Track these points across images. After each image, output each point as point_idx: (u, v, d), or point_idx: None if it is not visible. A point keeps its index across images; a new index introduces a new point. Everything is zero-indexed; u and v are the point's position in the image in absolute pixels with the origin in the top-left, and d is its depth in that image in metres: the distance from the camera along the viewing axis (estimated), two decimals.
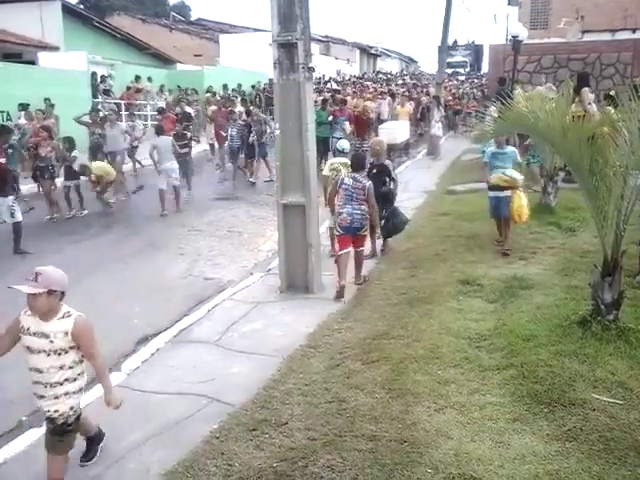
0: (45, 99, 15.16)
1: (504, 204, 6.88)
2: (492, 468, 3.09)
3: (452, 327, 4.84)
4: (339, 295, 5.97)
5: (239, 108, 15.99)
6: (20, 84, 15.36)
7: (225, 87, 23.88)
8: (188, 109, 17.03)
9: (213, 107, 17.18)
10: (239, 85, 24.95)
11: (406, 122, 17.26)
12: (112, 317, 5.88)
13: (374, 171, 7.13)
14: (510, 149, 7.15)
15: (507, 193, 6.85)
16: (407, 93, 22.33)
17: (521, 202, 6.80)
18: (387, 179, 7.17)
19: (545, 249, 7.02)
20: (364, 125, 15.40)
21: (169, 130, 13.19)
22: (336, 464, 3.22)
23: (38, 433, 3.83)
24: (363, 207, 6.14)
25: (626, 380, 3.82)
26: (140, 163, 14.15)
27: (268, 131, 13.21)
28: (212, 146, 16.35)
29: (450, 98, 22.28)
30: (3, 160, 8.11)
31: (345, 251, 6.16)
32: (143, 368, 4.76)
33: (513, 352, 4.30)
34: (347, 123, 14.09)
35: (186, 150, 11.64)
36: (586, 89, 9.77)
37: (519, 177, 6.92)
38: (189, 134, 12.46)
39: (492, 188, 7.02)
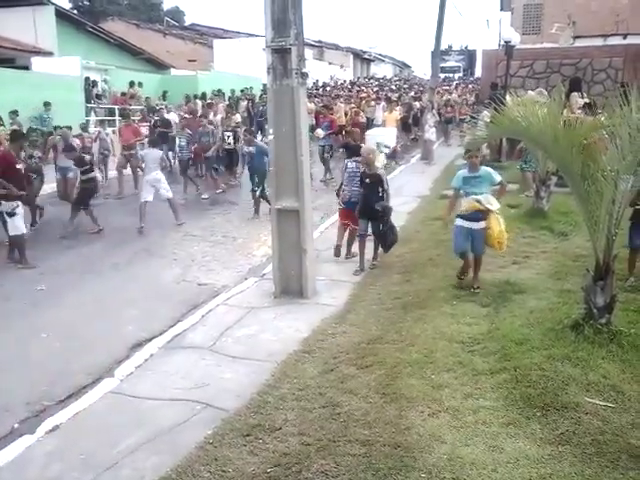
0: (45, 103, 15.21)
1: (480, 238, 5.76)
2: (485, 472, 3.09)
3: (446, 331, 4.85)
4: (336, 254, 7.55)
5: (215, 117, 15.44)
6: (13, 89, 15.34)
7: (220, 92, 23.90)
8: (172, 115, 16.01)
9: (185, 114, 16.02)
10: (232, 91, 24.95)
11: (393, 129, 17.01)
12: (106, 323, 5.88)
13: (367, 181, 6.97)
14: (484, 170, 5.87)
15: (482, 224, 5.72)
16: (395, 98, 22.30)
17: (500, 227, 5.74)
18: (380, 189, 6.91)
19: (538, 253, 7.05)
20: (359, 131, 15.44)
21: (126, 141, 12.78)
22: (330, 469, 3.22)
23: (30, 440, 3.83)
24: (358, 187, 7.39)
25: (618, 383, 3.84)
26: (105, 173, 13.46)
27: (216, 144, 12.65)
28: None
29: (442, 105, 22.22)
30: (20, 166, 8.01)
31: (346, 223, 7.54)
32: (137, 374, 4.75)
33: (506, 356, 4.31)
34: (320, 130, 13.92)
35: (90, 176, 9.61)
36: (575, 94, 9.86)
37: (496, 205, 5.75)
38: (87, 157, 10.00)
39: (464, 217, 5.80)
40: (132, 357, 5.07)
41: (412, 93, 27.31)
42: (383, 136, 15.24)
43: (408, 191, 11.97)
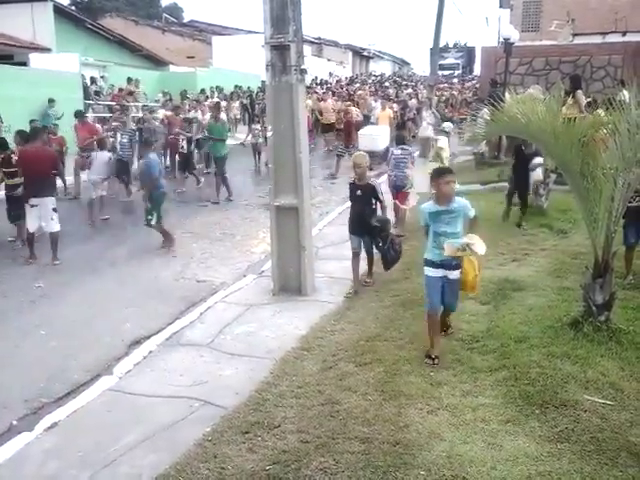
0: (49, 100, 15.20)
1: (456, 289, 4.46)
2: (485, 470, 3.09)
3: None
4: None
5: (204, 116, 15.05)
6: (11, 85, 15.29)
7: (219, 89, 23.92)
8: (160, 113, 15.39)
9: (166, 112, 15.55)
10: (236, 86, 24.96)
11: (386, 127, 16.23)
12: (104, 320, 5.87)
13: (358, 193, 6.15)
14: (459, 203, 4.33)
15: (457, 273, 4.35)
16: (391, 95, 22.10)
17: (476, 270, 4.39)
18: (374, 201, 6.15)
19: (537, 251, 7.05)
20: (350, 130, 14.97)
21: (83, 141, 11.65)
22: (329, 466, 3.21)
23: (29, 437, 3.82)
24: (406, 171, 8.43)
25: (617, 381, 3.84)
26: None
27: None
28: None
29: (441, 103, 22.03)
30: None
31: (401, 207, 8.51)
32: (135, 371, 4.74)
33: (505, 354, 4.31)
34: None
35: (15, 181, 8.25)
36: (580, 91, 9.83)
37: (482, 248, 4.25)
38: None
39: (434, 263, 4.39)
40: (130, 354, 5.06)
41: (409, 90, 27.16)
42: (376, 135, 14.85)
43: None
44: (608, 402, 3.62)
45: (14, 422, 4.08)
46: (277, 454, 3.39)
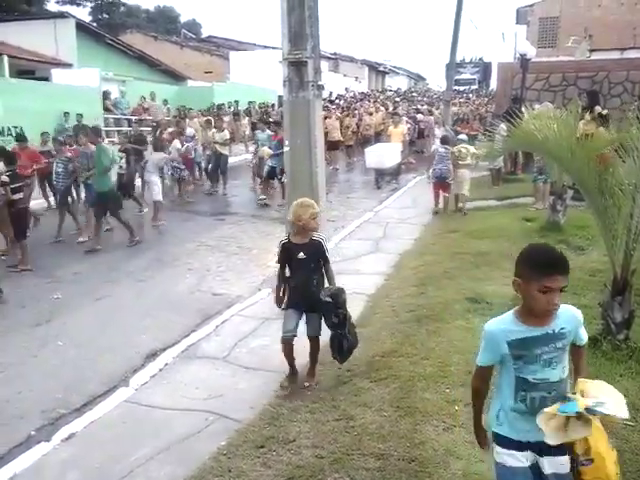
0: (65, 113, 15.50)
1: None
2: None
3: (461, 345, 4.80)
4: (435, 213, 10.81)
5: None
6: (33, 99, 15.62)
7: (236, 103, 24.22)
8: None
9: (169, 128, 14.86)
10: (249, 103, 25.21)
11: (398, 144, 15.49)
12: (120, 331, 5.92)
13: (300, 256, 4.30)
14: (567, 317, 2.41)
15: (565, 462, 2.24)
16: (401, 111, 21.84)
17: (614, 458, 2.28)
18: (322, 263, 4.41)
19: None
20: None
21: (23, 169, 9.41)
22: None
23: (47, 448, 3.85)
24: (448, 166, 10.65)
25: (637, 401, 3.78)
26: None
27: (89, 172, 9.67)
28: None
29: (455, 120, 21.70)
30: None
31: (438, 191, 10.84)
32: (151, 383, 4.77)
33: None
34: (266, 148, 12.84)
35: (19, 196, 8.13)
36: (598, 107, 9.81)
37: (621, 406, 2.20)
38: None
39: (521, 445, 2.29)
40: (147, 366, 5.09)
41: (419, 106, 26.96)
42: (383, 153, 14.38)
43: (423, 203, 11.95)
44: (628, 423, 3.55)
45: (32, 432, 4.11)
46: (292, 469, 3.38)
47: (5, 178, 7.89)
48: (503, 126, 8.27)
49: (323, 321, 4.36)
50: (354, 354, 4.51)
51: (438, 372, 4.36)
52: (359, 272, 7.49)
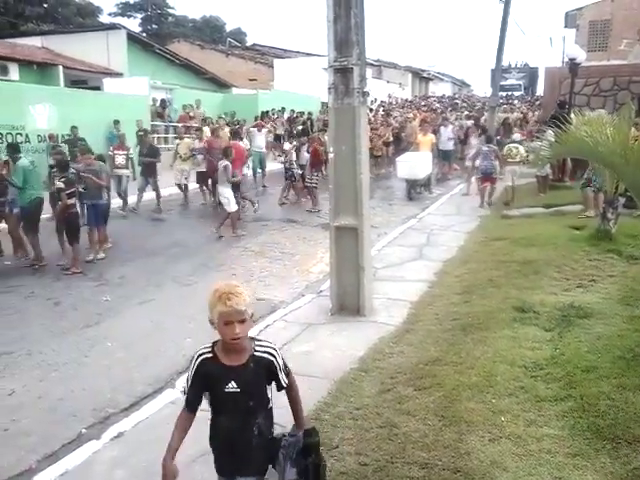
0: (115, 121, 15.98)
1: None
2: None
3: (507, 355, 4.71)
4: (481, 206, 12.34)
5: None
6: (87, 108, 16.21)
7: (282, 110, 24.51)
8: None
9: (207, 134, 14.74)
10: (292, 111, 25.43)
11: (428, 153, 15.19)
12: (166, 334, 6.06)
13: (231, 387, 2.52)
14: None
15: None
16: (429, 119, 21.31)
17: None
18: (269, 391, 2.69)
19: (605, 277, 6.77)
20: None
21: None
22: None
23: (96, 445, 3.97)
24: (492, 162, 12.18)
25: None
26: None
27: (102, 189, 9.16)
28: (181, 187, 13.84)
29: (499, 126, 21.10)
30: None
31: (485, 185, 12.36)
32: None
33: (572, 383, 4.14)
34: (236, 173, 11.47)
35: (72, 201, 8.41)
36: None
37: None
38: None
39: None
40: None
41: (466, 112, 26.53)
42: (416, 163, 13.92)
43: (467, 210, 11.80)
44: None
45: (83, 430, 4.24)
46: (335, 476, 3.37)
47: (61, 184, 8.21)
48: (550, 132, 8.11)
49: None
50: (398, 361, 4.46)
51: (484, 382, 4.29)
52: (402, 279, 7.45)
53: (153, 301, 7.12)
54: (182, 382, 4.82)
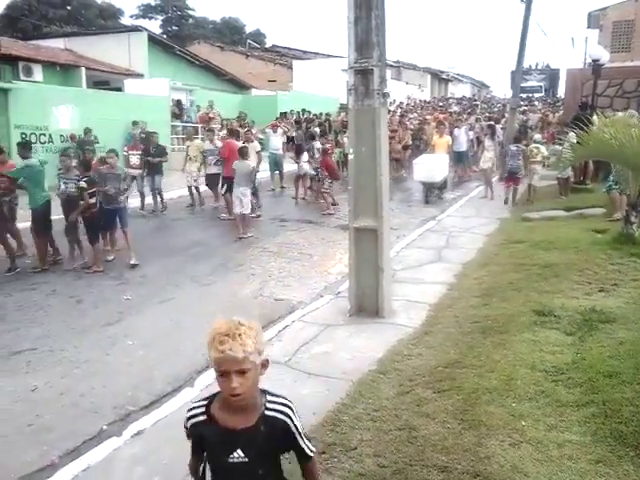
0: (133, 122, 16.13)
1: None
2: None
3: (527, 359, 4.66)
4: (505, 202, 12.69)
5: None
6: (109, 109, 16.44)
7: (303, 111, 24.53)
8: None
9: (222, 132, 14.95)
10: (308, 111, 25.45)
11: (445, 156, 14.90)
12: (186, 333, 6.09)
13: (235, 456, 1.99)
14: None
15: None
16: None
17: None
18: (277, 464, 2.14)
19: (627, 281, 6.66)
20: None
21: None
22: None
23: (117, 442, 4.01)
24: (518, 162, 12.49)
25: None
26: None
27: (124, 193, 8.93)
28: (191, 190, 13.51)
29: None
30: None
31: (509, 184, 12.73)
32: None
33: (594, 388, 4.09)
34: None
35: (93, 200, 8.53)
36: None
37: None
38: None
39: None
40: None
41: (487, 114, 26.22)
42: (433, 165, 13.67)
43: (487, 212, 11.72)
44: None
45: (104, 427, 4.30)
46: (353, 477, 3.37)
47: (83, 184, 8.32)
48: (572, 134, 8.01)
49: None
50: (417, 363, 4.44)
51: (504, 385, 4.25)
52: (421, 281, 7.42)
53: (173, 300, 7.18)
54: (202, 381, 4.87)
